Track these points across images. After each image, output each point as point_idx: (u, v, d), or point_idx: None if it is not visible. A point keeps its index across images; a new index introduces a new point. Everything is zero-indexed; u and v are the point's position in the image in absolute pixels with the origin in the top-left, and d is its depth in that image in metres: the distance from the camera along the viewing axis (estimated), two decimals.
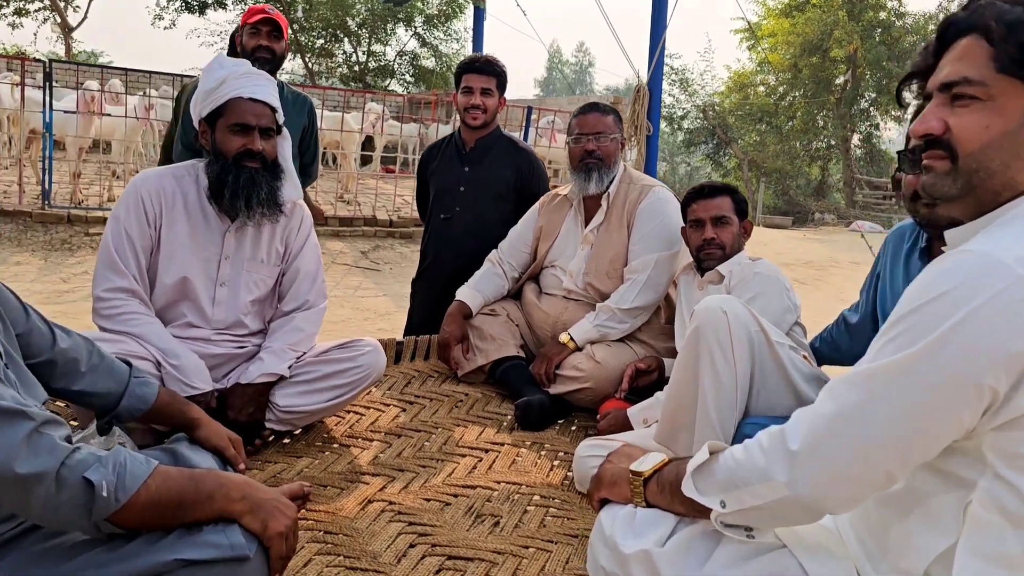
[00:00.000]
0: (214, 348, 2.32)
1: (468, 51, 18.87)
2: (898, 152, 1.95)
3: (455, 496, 2.11)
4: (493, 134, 3.43)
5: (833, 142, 22.23)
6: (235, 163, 2.24)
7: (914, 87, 1.22)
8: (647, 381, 2.62)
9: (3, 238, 7.05)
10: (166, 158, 3.54)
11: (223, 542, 1.28)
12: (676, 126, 24.16)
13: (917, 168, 1.83)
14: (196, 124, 2.35)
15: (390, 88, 20.60)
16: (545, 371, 2.75)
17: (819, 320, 2.82)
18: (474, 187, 3.38)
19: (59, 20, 19.92)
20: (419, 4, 19.16)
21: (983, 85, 1.02)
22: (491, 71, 3.32)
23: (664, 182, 3.16)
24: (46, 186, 7.67)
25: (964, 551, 0.96)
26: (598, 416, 2.55)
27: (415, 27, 20.21)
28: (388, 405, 2.71)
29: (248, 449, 2.22)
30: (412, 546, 1.85)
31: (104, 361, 1.70)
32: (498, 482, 2.20)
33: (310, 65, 19.86)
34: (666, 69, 10.86)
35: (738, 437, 1.95)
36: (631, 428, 2.36)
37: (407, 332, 3.54)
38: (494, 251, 3.18)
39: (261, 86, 2.31)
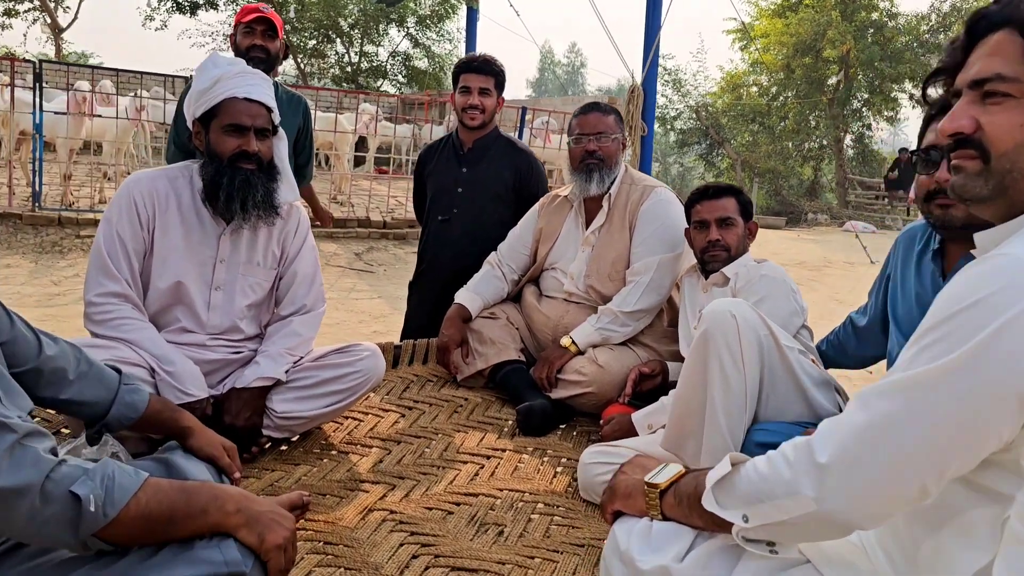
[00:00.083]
0: (209, 354, 2.26)
1: (461, 52, 18.84)
2: (911, 152, 1.91)
3: (457, 504, 2.06)
4: (491, 134, 3.38)
5: (825, 142, 22.26)
6: (230, 165, 2.19)
7: (939, 84, 1.18)
8: (651, 385, 2.57)
9: None
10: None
11: (217, 558, 1.23)
12: (669, 126, 24.16)
13: (931, 168, 1.80)
14: (189, 124, 2.29)
15: (382, 89, 20.53)
16: (547, 375, 2.70)
17: (816, 320, 2.78)
18: (472, 188, 3.33)
19: (49, 21, 19.79)
20: (411, 4, 19.11)
21: (1017, 82, 0.98)
22: (489, 71, 3.27)
23: None
24: (36, 188, 7.58)
25: (1001, 569, 0.92)
26: (601, 421, 2.50)
27: (408, 28, 20.15)
28: (387, 410, 2.66)
29: (244, 457, 2.17)
30: (415, 557, 1.81)
31: (93, 368, 1.64)
32: (501, 490, 2.16)
33: (302, 66, 19.77)
34: (659, 70, 10.82)
35: (747, 443, 1.91)
36: (635, 434, 2.32)
37: (404, 336, 3.49)
38: (493, 253, 3.13)
39: (256, 86, 2.25)
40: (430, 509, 2.03)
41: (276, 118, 2.31)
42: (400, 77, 21.19)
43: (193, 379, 2.13)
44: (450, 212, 3.36)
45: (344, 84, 19.99)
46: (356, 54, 20.56)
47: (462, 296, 3.00)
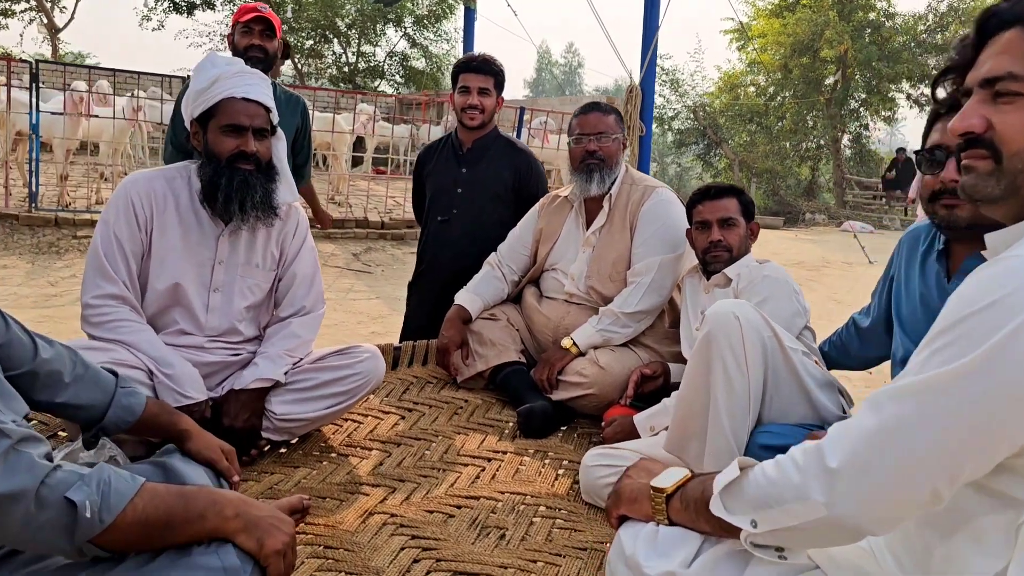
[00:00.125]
0: (208, 356, 2.24)
1: (458, 52, 18.82)
2: (915, 151, 1.89)
3: (458, 507, 2.04)
4: (491, 135, 3.36)
5: (823, 142, 22.26)
6: (228, 165, 2.17)
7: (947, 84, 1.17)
8: (653, 387, 2.56)
9: None
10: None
11: (215, 564, 1.21)
12: (666, 127, 24.15)
13: (936, 168, 1.79)
14: (187, 124, 2.27)
15: (380, 89, 20.50)
16: (547, 377, 2.69)
17: (814, 321, 2.75)
18: (472, 189, 3.31)
19: (45, 21, 19.74)
20: (409, 4, 19.08)
21: None
22: (489, 70, 3.25)
23: None
24: (33, 188, 7.55)
25: None
26: (603, 423, 2.48)
27: (405, 28, 20.12)
28: (387, 412, 2.65)
29: (243, 460, 2.15)
30: (416, 561, 1.79)
31: (89, 371, 1.62)
32: (502, 492, 2.14)
33: (299, 66, 19.74)
34: (657, 70, 10.82)
35: (751, 445, 1.89)
36: (637, 436, 2.30)
37: (403, 337, 3.47)
38: (493, 254, 3.11)
39: (254, 85, 2.24)
40: (431, 512, 2.01)
41: (275, 118, 2.29)
42: (397, 77, 21.16)
43: (192, 381, 2.11)
44: (449, 212, 3.34)
45: (341, 84, 19.96)
46: (353, 54, 20.54)
47: (462, 297, 2.98)
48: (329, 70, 20.59)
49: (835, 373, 2.27)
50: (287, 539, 1.33)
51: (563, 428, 2.64)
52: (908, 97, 21.07)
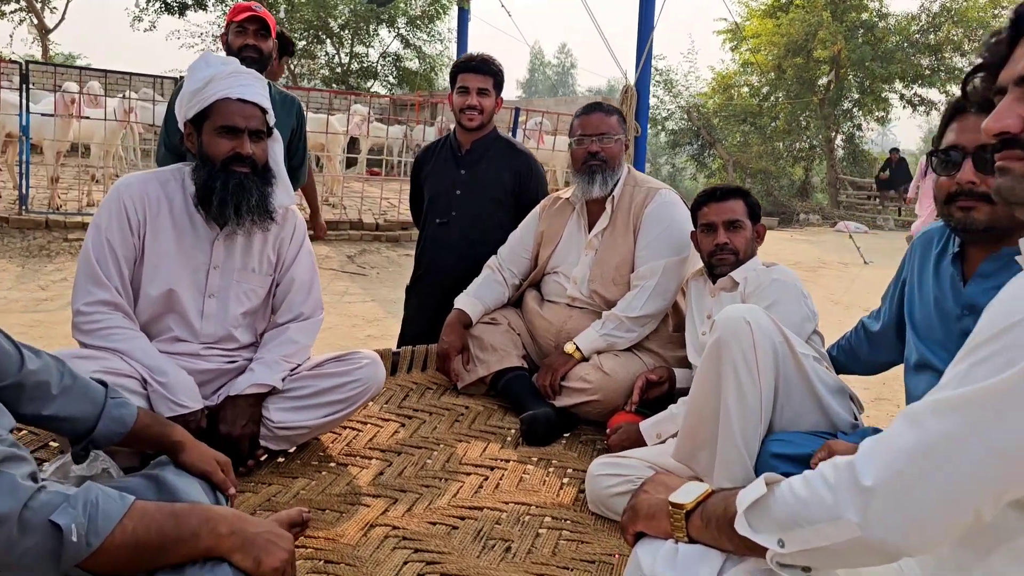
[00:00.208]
0: (203, 363, 2.18)
1: (452, 52, 18.78)
2: (929, 152, 1.85)
3: (462, 519, 1.99)
4: (490, 136, 3.31)
5: (816, 142, 22.27)
6: (223, 168, 2.11)
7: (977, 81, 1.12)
8: (658, 393, 2.51)
9: None
10: None
11: None
12: (660, 127, 24.13)
13: (951, 169, 1.74)
14: (181, 126, 2.21)
15: (373, 90, 20.44)
16: (550, 383, 2.63)
17: None
18: (471, 190, 3.26)
19: (35, 21, 19.61)
20: (402, 5, 19.03)
21: None
22: (488, 70, 3.20)
23: None
24: (23, 191, 7.47)
25: None
26: (607, 430, 2.43)
27: (398, 28, 20.06)
28: (386, 420, 2.59)
29: (240, 470, 2.10)
30: None
31: (77, 382, 1.56)
32: (506, 503, 2.09)
33: (291, 67, 19.65)
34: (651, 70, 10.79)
35: (763, 454, 1.85)
36: (644, 443, 2.25)
37: (401, 342, 3.42)
38: (493, 257, 3.06)
39: (250, 86, 2.18)
40: (434, 524, 1.96)
41: (271, 119, 2.24)
42: (391, 78, 21.10)
43: (187, 390, 2.05)
44: (448, 215, 3.29)
45: (334, 85, 19.88)
46: (346, 55, 20.46)
47: (462, 301, 2.93)
48: (322, 71, 20.52)
49: (848, 378, 2.23)
50: (285, 556, 1.29)
51: (566, 435, 2.59)
52: (901, 97, 21.10)
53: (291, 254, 2.35)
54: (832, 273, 9.65)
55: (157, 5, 17.16)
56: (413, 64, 20.68)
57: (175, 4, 17.02)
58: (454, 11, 16.88)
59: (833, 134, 21.68)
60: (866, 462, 0.93)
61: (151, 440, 1.68)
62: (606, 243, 2.79)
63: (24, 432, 2.13)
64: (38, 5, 19.53)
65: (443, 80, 21.30)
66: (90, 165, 8.82)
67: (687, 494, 1.17)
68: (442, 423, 2.61)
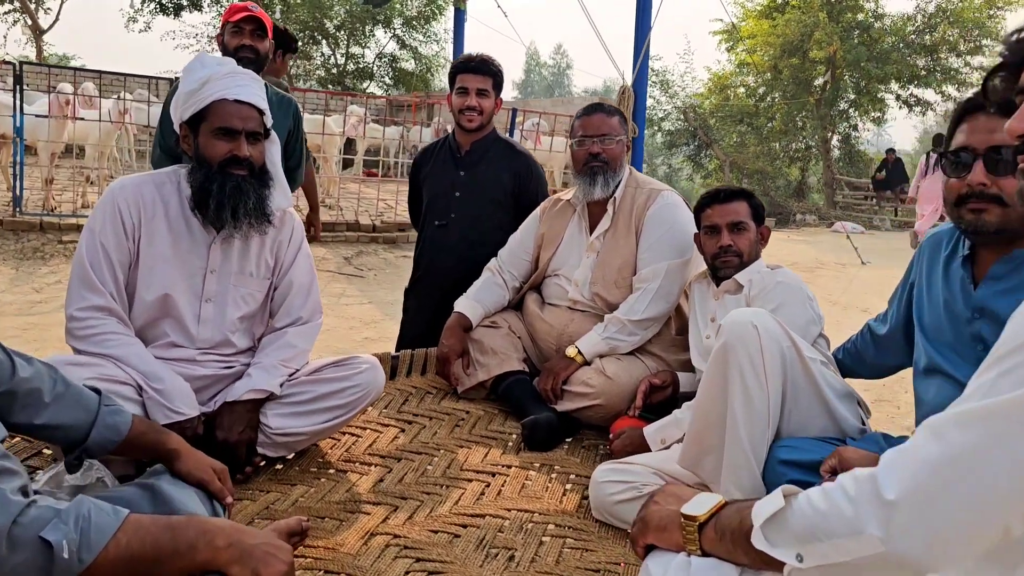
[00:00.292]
0: (199, 369, 2.14)
1: (448, 53, 18.73)
2: (939, 154, 1.82)
3: (464, 527, 1.96)
4: (489, 137, 3.27)
5: (812, 143, 22.29)
6: (220, 170, 2.08)
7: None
8: (661, 397, 2.48)
9: None
10: None
11: None
12: (656, 128, 24.13)
13: (962, 171, 1.71)
14: (176, 128, 2.17)
15: (369, 91, 20.39)
16: (552, 387, 2.60)
17: None
18: (470, 192, 3.22)
19: (30, 22, 19.52)
20: (398, 6, 18.99)
21: None
22: (487, 71, 3.16)
23: None
24: (17, 192, 7.41)
25: None
26: (610, 435, 2.40)
27: (394, 29, 20.03)
28: (386, 425, 2.56)
29: (237, 478, 2.06)
30: None
31: (70, 390, 1.53)
32: (509, 510, 2.05)
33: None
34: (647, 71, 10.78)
35: (770, 460, 1.82)
36: (647, 449, 2.22)
37: (400, 345, 3.38)
38: (493, 259, 3.02)
39: (247, 87, 2.14)
40: (435, 532, 1.92)
41: (268, 121, 2.20)
42: (387, 79, 21.06)
43: (183, 397, 2.01)
44: (447, 217, 3.25)
45: (330, 86, 19.84)
46: (342, 56, 20.42)
47: (462, 304, 2.89)
48: (318, 72, 20.48)
49: (854, 382, 2.20)
50: (284, 568, 1.26)
51: (568, 440, 2.56)
52: (897, 98, 21.11)
53: (289, 257, 2.31)
54: (830, 274, 9.64)
55: (152, 6, 17.11)
56: (409, 65, 20.66)
57: (170, 5, 16.97)
58: (450, 12, 16.85)
59: (829, 134, 21.69)
60: (889, 475, 0.90)
61: (146, 448, 1.65)
62: (608, 245, 2.76)
63: (16, 439, 2.09)
64: (32, 6, 19.45)
65: (439, 81, 21.29)
66: (85, 166, 8.77)
67: (700, 505, 1.14)
68: (442, 428, 2.58)
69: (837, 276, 9.45)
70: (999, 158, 1.63)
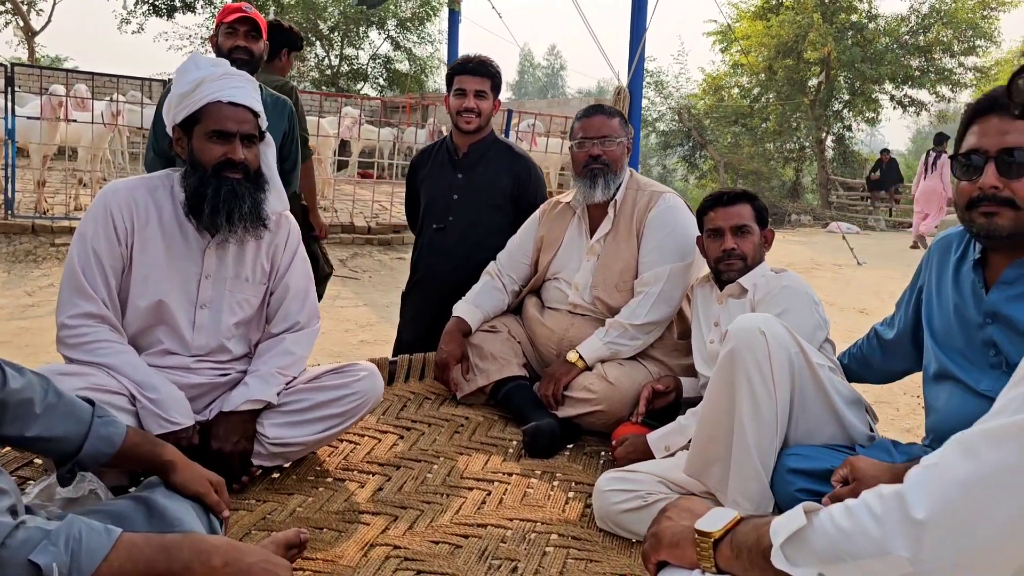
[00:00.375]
0: (194, 377, 2.10)
1: (442, 54, 18.70)
2: (950, 156, 1.79)
3: (465, 537, 1.92)
4: (487, 139, 3.23)
5: (806, 143, 22.30)
6: (215, 174, 2.03)
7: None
8: (664, 403, 2.44)
9: None
10: None
11: None
12: (651, 128, 24.11)
13: (973, 174, 1.68)
14: (169, 130, 2.13)
15: (363, 92, 20.34)
16: (552, 392, 2.56)
17: None
18: (468, 195, 3.18)
19: (22, 24, 19.41)
20: (392, 7, 18.93)
21: None
22: (485, 72, 3.12)
23: None
24: (9, 195, 7.35)
25: None
26: (613, 442, 2.36)
27: (388, 30, 19.97)
28: (384, 432, 2.51)
29: (233, 488, 2.02)
30: None
31: (62, 400, 1.48)
32: (511, 519, 2.02)
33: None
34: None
35: (779, 469, 1.79)
36: (651, 456, 2.18)
37: (397, 350, 3.34)
38: (492, 263, 2.98)
39: (241, 88, 2.10)
40: (436, 543, 1.88)
41: (263, 123, 2.16)
42: (381, 80, 21.01)
43: (177, 406, 1.97)
44: (445, 220, 3.21)
45: (324, 87, 19.78)
46: (336, 57, 20.36)
47: (461, 309, 2.85)
48: (312, 73, 20.41)
49: (860, 387, 2.17)
50: None
51: (569, 446, 2.52)
52: (892, 98, 21.14)
53: (285, 261, 2.27)
54: (827, 275, 9.62)
55: (145, 7, 17.00)
56: (403, 66, 20.60)
57: (163, 6, 16.87)
58: (444, 13, 16.80)
59: (823, 135, 21.70)
60: (917, 493, 0.87)
61: (141, 460, 1.60)
62: (609, 248, 2.72)
63: (7, 449, 2.04)
64: (24, 7, 19.34)
65: (433, 82, 21.24)
66: (77, 169, 8.70)
67: (715, 521, 1.10)
68: (442, 435, 2.54)
69: (834, 277, 9.43)
70: (1011, 160, 1.60)
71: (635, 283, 2.66)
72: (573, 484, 2.25)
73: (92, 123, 7.88)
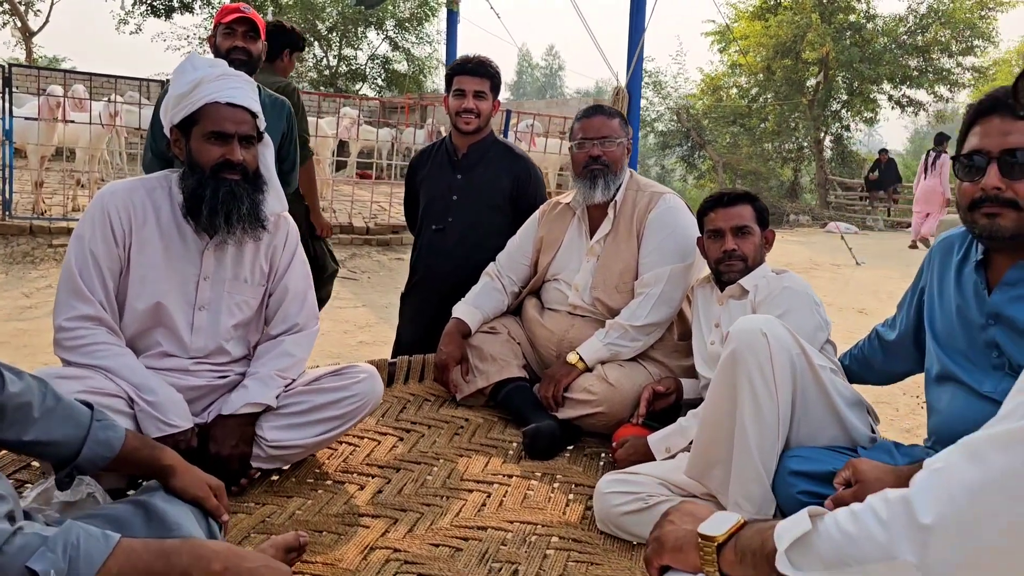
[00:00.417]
0: (193, 379, 2.08)
1: (441, 54, 18.69)
2: (952, 157, 1.78)
3: (466, 540, 1.91)
4: (487, 140, 3.22)
5: (805, 143, 22.30)
6: (213, 175, 2.02)
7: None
8: (665, 404, 2.44)
9: None
10: None
11: None
12: (649, 129, 24.11)
13: (975, 175, 1.67)
14: (167, 131, 2.12)
15: (361, 92, 20.32)
16: (552, 394, 2.55)
17: None
18: (468, 196, 3.17)
19: (19, 24, 19.38)
20: (391, 7, 18.92)
21: None
22: (484, 72, 3.11)
23: None
24: (7, 196, 7.33)
25: None
26: (613, 444, 2.35)
27: (386, 31, 19.96)
28: (384, 434, 2.50)
29: (232, 490, 2.01)
30: None
31: (61, 404, 1.47)
32: (511, 522, 2.01)
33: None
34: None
35: (780, 471, 1.78)
36: (652, 458, 2.18)
37: (396, 351, 3.33)
38: (492, 264, 2.97)
39: (239, 89, 2.09)
40: (436, 546, 1.87)
41: (261, 124, 2.15)
42: (379, 80, 20.99)
43: (176, 408, 1.96)
44: (445, 221, 3.20)
45: (322, 88, 19.76)
46: (334, 58, 20.35)
47: (460, 310, 2.84)
48: (310, 73, 20.39)
49: (863, 389, 2.17)
50: None
51: (570, 448, 2.51)
52: (890, 98, 21.15)
53: (284, 262, 2.26)
54: (825, 275, 9.61)
55: (143, 8, 16.97)
56: (402, 66, 20.58)
57: (161, 6, 16.84)
58: (442, 13, 16.81)
59: (822, 135, 21.71)
60: (924, 498, 0.86)
61: (140, 464, 1.59)
62: (609, 249, 2.71)
63: (3, 453, 2.03)
64: (22, 8, 19.31)
65: (432, 82, 21.23)
66: (75, 169, 8.68)
67: (718, 525, 1.09)
68: (441, 436, 2.53)
69: (833, 277, 9.43)
70: (1014, 161, 1.60)
71: (635, 284, 2.65)
72: (573, 486, 2.24)
73: (90, 124, 7.87)
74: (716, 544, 1.08)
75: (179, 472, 1.59)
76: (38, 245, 7.03)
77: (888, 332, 2.13)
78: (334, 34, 19.77)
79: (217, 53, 3.12)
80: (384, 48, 20.57)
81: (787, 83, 20.95)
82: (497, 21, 12.70)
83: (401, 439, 2.48)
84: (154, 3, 16.40)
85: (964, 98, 21.35)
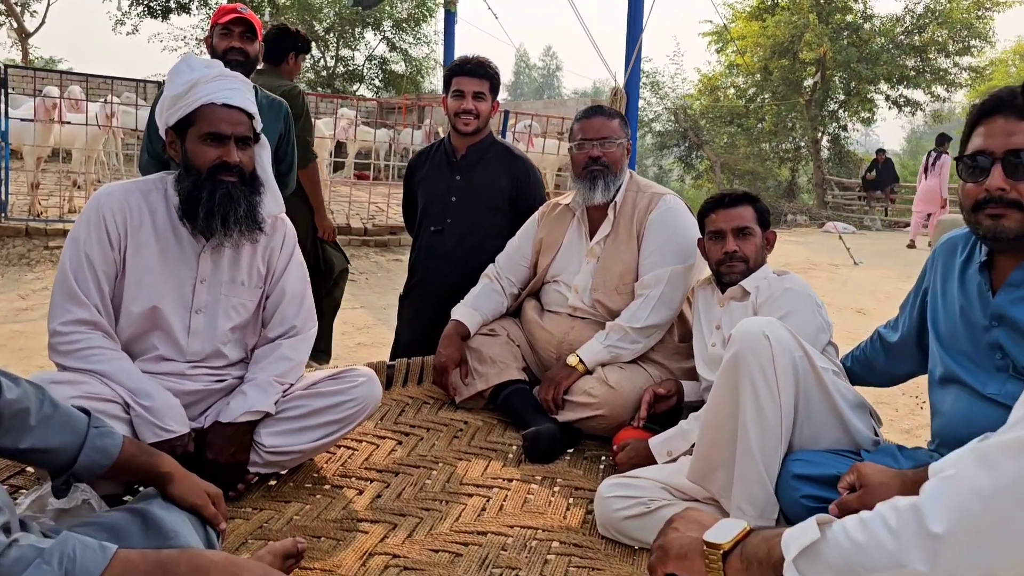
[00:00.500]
0: (189, 383, 2.06)
1: (438, 55, 18.68)
2: (955, 157, 1.77)
3: (465, 545, 1.89)
4: (486, 140, 3.21)
5: (802, 143, 22.31)
6: (209, 177, 2.00)
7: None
8: (666, 407, 2.42)
9: None
10: None
11: None
12: (647, 129, 24.11)
13: (979, 175, 1.65)
14: (162, 133, 2.10)
15: (359, 93, 20.30)
16: (553, 397, 2.53)
17: None
18: (467, 197, 3.15)
19: (15, 25, 19.34)
20: (388, 8, 18.90)
21: None
22: (483, 73, 3.10)
23: None
24: (2, 198, 7.31)
25: None
26: (614, 447, 2.33)
27: (384, 31, 19.94)
28: (382, 437, 2.48)
29: (230, 495, 1.98)
30: None
31: (58, 411, 1.45)
32: (511, 526, 1.99)
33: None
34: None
35: (783, 475, 1.76)
36: (653, 461, 2.16)
37: (395, 353, 3.31)
38: (491, 266, 2.95)
39: (236, 90, 2.07)
40: (436, 551, 1.85)
41: (258, 125, 2.13)
42: (377, 81, 20.97)
43: (172, 413, 1.93)
44: (443, 222, 3.18)
45: (319, 88, 19.74)
46: (332, 58, 20.33)
47: (459, 312, 2.82)
48: (307, 74, 20.36)
49: (865, 390, 2.15)
50: None
51: (570, 451, 2.49)
52: (887, 98, 21.16)
53: (281, 265, 2.24)
54: (824, 275, 9.61)
55: (140, 8, 16.94)
56: (399, 67, 20.57)
57: (158, 7, 16.81)
58: (440, 14, 16.79)
59: (819, 135, 21.72)
60: (934, 506, 0.84)
61: (138, 471, 1.57)
62: (609, 251, 2.69)
63: None
64: (18, 9, 19.27)
65: (429, 83, 21.22)
66: (71, 171, 8.65)
67: (724, 532, 1.08)
68: (440, 440, 2.51)
69: (831, 277, 9.42)
70: (1018, 161, 1.58)
71: (635, 286, 2.63)
72: (574, 490, 2.22)
73: (86, 125, 7.84)
74: (722, 552, 1.06)
75: (177, 479, 1.57)
76: (34, 247, 7.01)
77: (890, 333, 2.12)
78: (331, 35, 19.76)
79: (214, 54, 3.10)
80: (381, 49, 20.57)
81: (784, 83, 20.96)
82: (494, 21, 12.65)
83: (400, 442, 2.46)
84: (151, 4, 16.37)
85: (961, 98, 21.39)
